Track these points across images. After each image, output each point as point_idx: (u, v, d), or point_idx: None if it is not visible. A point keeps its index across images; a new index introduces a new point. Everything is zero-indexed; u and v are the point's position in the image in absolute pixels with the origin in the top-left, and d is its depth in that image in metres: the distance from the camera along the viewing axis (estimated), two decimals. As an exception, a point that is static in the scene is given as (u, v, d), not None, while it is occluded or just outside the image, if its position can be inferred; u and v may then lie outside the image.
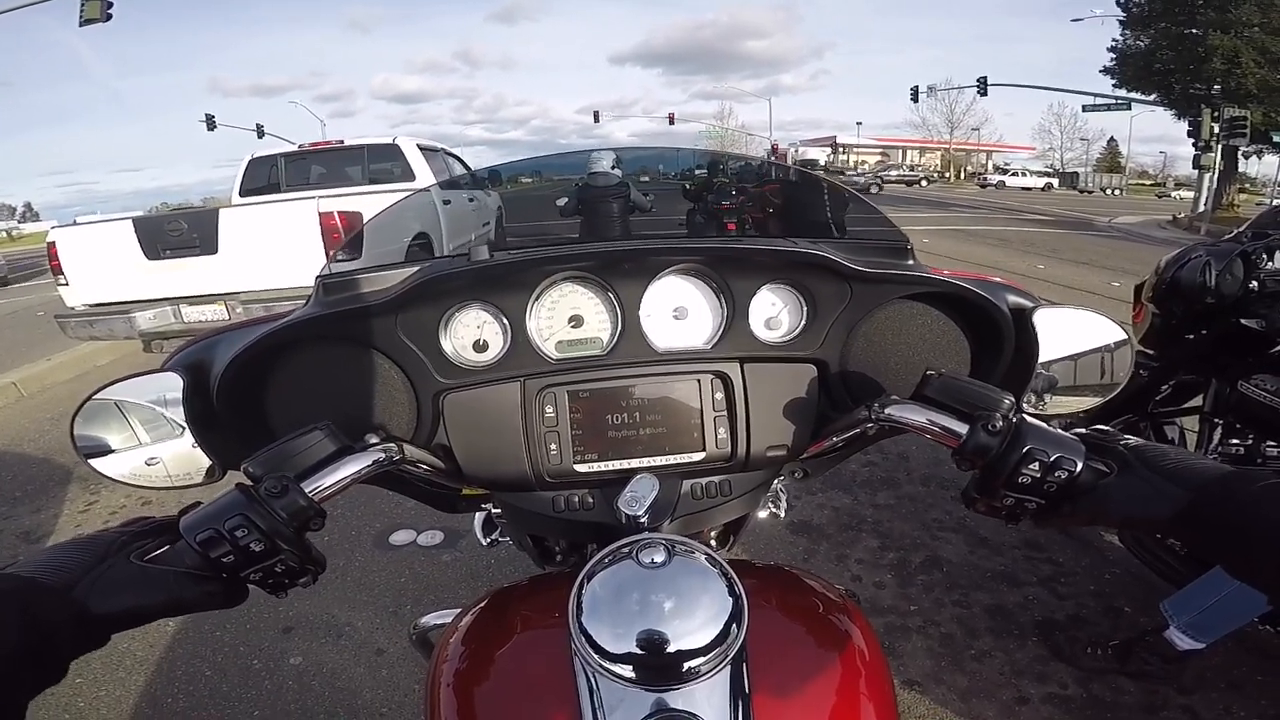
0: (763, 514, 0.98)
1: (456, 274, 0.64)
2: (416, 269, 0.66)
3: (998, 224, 15.32)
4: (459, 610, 0.69)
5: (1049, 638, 1.88)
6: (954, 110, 50.43)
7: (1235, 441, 1.79)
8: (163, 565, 0.45)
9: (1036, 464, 0.49)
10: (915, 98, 30.18)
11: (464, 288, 0.66)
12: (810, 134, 69.17)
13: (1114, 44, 22.41)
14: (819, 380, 0.70)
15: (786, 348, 0.70)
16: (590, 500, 0.69)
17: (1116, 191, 41.62)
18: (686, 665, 0.43)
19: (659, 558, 0.47)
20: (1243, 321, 1.58)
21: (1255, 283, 1.59)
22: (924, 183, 41.84)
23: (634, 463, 0.68)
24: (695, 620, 0.44)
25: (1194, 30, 19.86)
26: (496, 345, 0.68)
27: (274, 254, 4.04)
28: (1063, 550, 2.31)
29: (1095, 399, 0.70)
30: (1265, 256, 1.64)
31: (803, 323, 0.70)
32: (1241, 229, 1.81)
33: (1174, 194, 37.57)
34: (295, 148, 6.57)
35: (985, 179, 44.91)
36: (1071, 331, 0.69)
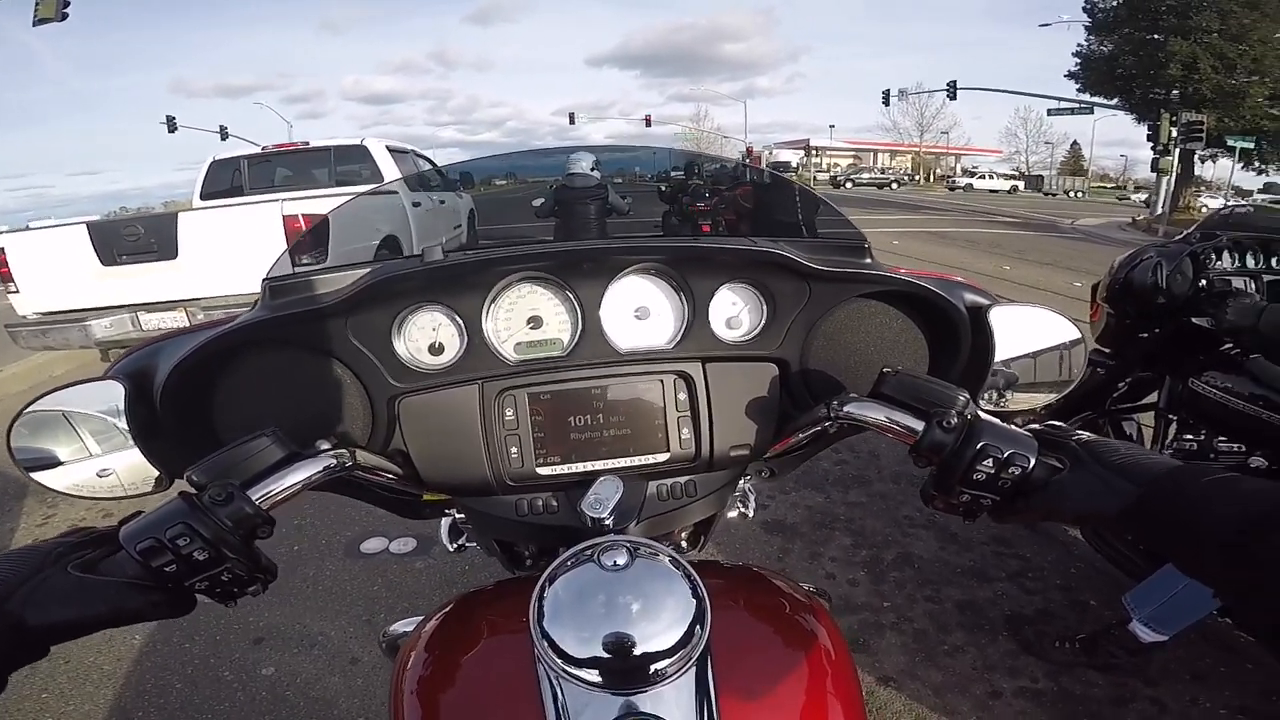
0: (732, 514, 0.97)
1: (408, 275, 0.63)
2: (367, 270, 0.64)
3: (966, 226, 15.62)
4: (423, 617, 0.68)
5: (1018, 632, 1.92)
6: (924, 114, 51.33)
7: (1189, 437, 1.83)
8: (103, 575, 0.44)
9: (990, 460, 0.50)
10: (886, 101, 30.56)
11: (417, 289, 0.65)
12: (785, 136, 69.84)
13: (1079, 49, 23.03)
14: (780, 379, 0.71)
15: (747, 347, 0.70)
16: (555, 503, 0.68)
17: (1079, 194, 42.76)
18: (651, 668, 0.43)
19: (621, 560, 0.46)
20: (1193, 320, 1.63)
21: (1204, 282, 1.65)
22: (895, 185, 42.38)
23: (598, 465, 0.67)
24: (659, 622, 0.44)
25: (1155, 36, 20.48)
26: (453, 348, 0.67)
27: (236, 258, 3.93)
28: (1029, 545, 2.36)
29: (1051, 395, 0.72)
30: (1213, 257, 1.70)
31: (763, 322, 0.70)
32: (1190, 230, 1.87)
33: (1133, 196, 38.70)
34: (259, 150, 6.44)
35: (954, 182, 46.00)
36: (1027, 329, 0.70)
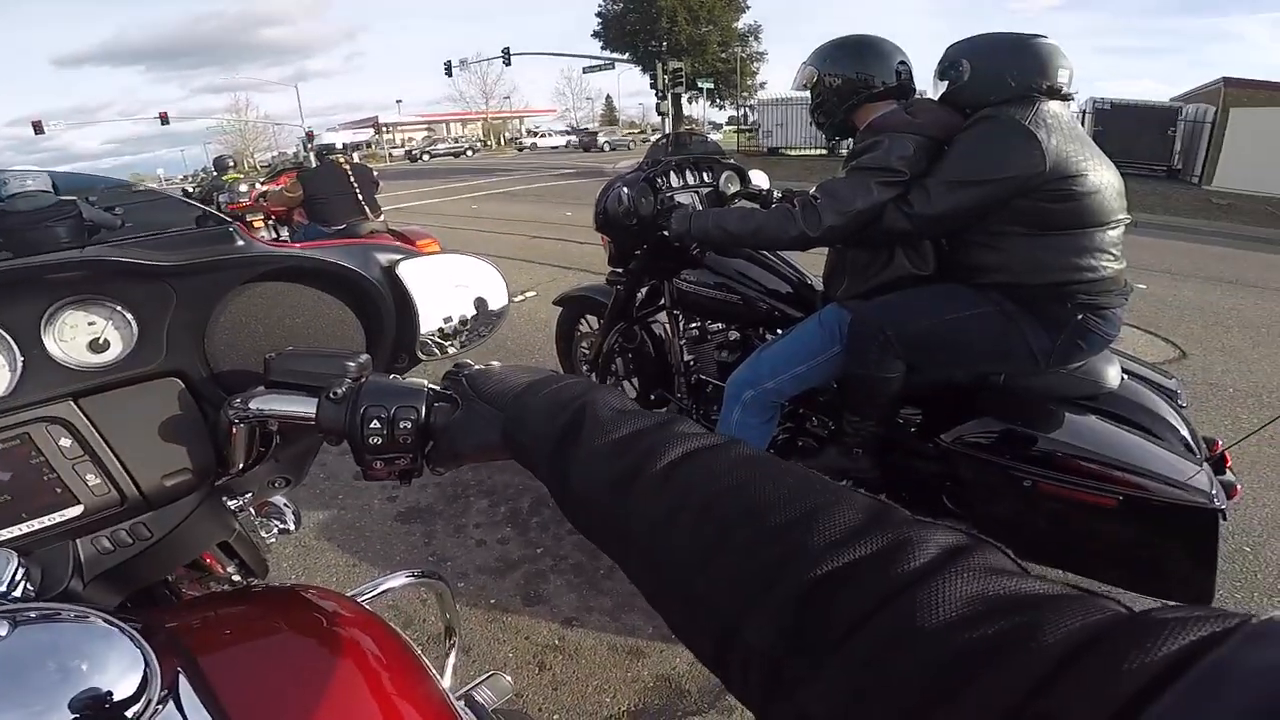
0: (270, 534, 0.90)
1: None
2: None
3: (535, 182, 16.98)
4: None
5: None
6: (486, 81, 53.32)
7: (693, 326, 2.27)
8: None
9: (376, 421, 0.49)
10: (449, 72, 30.78)
11: None
12: (351, 116, 65.41)
13: (600, 9, 26.39)
14: (191, 391, 0.63)
15: (126, 367, 0.61)
16: None
17: (633, 142, 50.12)
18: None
19: (0, 631, 0.40)
20: (663, 233, 1.96)
21: (660, 201, 2.01)
22: (470, 153, 43.42)
23: None
24: (94, 678, 0.39)
25: None
26: None
27: None
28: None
29: (489, 329, 0.75)
30: (664, 179, 2.09)
31: (135, 336, 0.61)
32: (644, 160, 2.26)
33: (646, 139, 47.00)
34: None
35: (520, 143, 49.55)
36: (448, 275, 0.72)
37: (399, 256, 0.70)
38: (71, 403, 0.58)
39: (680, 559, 0.32)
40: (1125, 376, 1.64)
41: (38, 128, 31.24)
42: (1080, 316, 1.52)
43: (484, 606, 1.92)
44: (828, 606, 0.26)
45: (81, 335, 0.59)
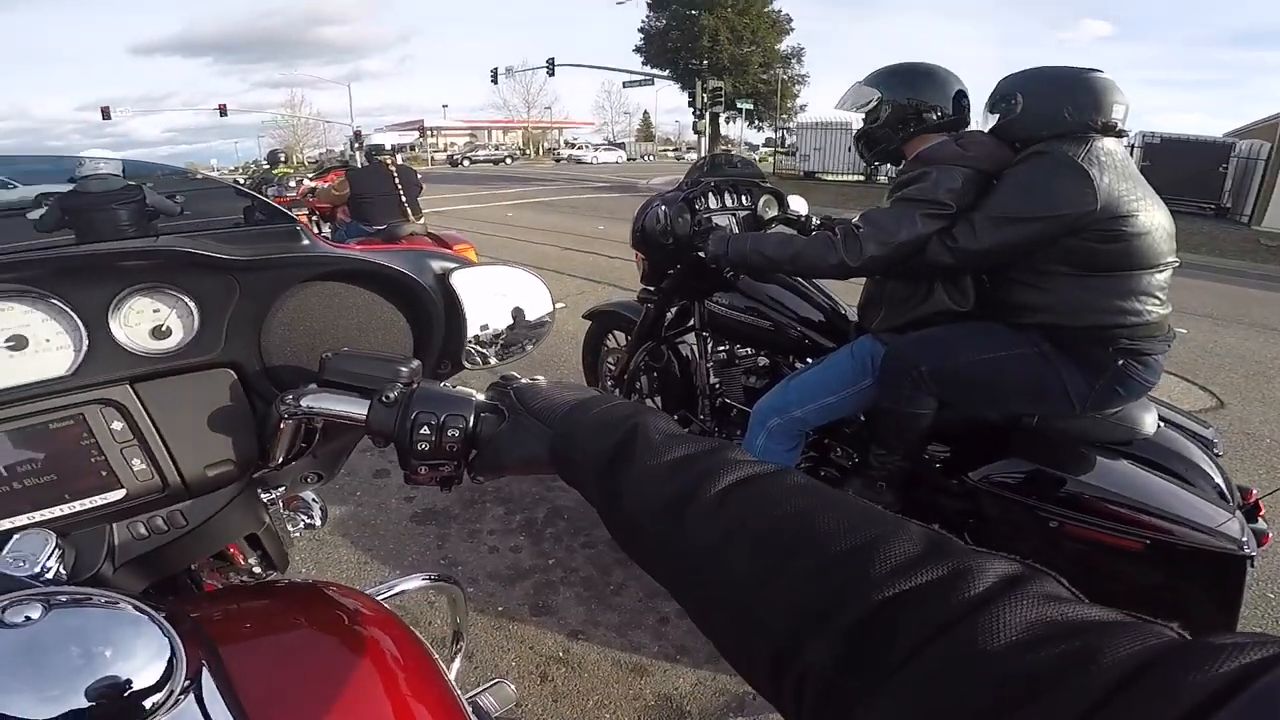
0: (295, 528, 0.91)
1: None
2: None
3: (570, 193, 17.17)
4: None
5: None
6: (530, 90, 54.43)
7: (721, 349, 2.26)
8: None
9: (426, 428, 0.50)
10: (495, 79, 31.37)
11: None
12: (398, 118, 67.21)
13: (642, 25, 26.82)
14: (243, 383, 0.65)
15: (184, 356, 0.63)
16: None
17: (650, 157, 50.77)
18: (132, 709, 0.38)
19: (34, 614, 0.40)
20: (698, 254, 1.95)
21: (698, 222, 1.99)
22: (509, 160, 44.49)
23: (20, 519, 0.55)
24: (121, 663, 0.39)
25: (693, 11, 24.89)
26: None
27: None
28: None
29: (533, 342, 0.77)
30: (702, 199, 2.08)
31: (196, 326, 0.63)
32: (684, 179, 2.27)
33: (685, 156, 47.52)
34: None
35: (559, 154, 50.46)
36: (497, 286, 0.73)
37: (453, 265, 0.72)
38: (128, 386, 0.60)
39: (736, 582, 0.33)
40: (1161, 424, 1.60)
41: (106, 113, 32.13)
42: (1121, 362, 1.48)
43: (491, 613, 1.93)
44: (889, 630, 0.26)
45: (146, 321, 0.61)
